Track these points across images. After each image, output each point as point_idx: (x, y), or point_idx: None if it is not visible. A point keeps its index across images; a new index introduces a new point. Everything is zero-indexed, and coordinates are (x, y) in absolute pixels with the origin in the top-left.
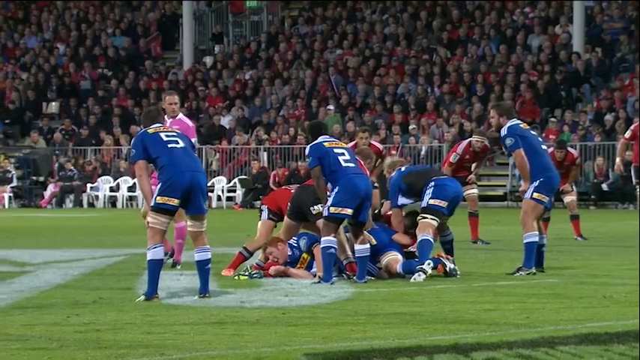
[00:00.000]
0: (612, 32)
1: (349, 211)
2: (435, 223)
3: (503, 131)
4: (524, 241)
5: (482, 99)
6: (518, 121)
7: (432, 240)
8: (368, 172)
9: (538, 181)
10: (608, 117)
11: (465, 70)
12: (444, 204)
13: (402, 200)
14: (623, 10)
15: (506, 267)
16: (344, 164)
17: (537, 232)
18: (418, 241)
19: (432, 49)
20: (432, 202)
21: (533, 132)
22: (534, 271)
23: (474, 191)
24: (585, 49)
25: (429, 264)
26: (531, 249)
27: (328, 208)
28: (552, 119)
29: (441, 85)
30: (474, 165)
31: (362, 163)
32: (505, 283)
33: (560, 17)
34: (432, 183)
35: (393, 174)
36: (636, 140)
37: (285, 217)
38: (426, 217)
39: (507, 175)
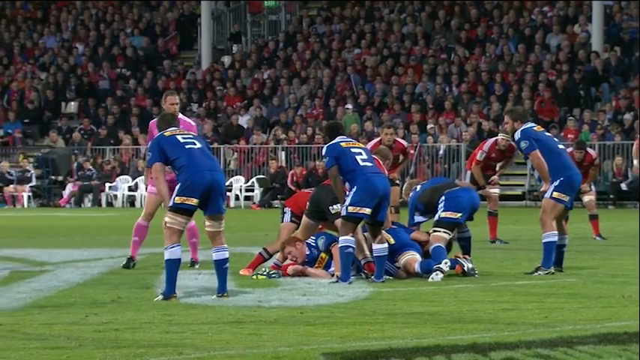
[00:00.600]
0: (631, 31)
1: (367, 211)
2: (448, 236)
3: (517, 135)
4: (543, 241)
5: (500, 98)
6: (532, 124)
7: (444, 247)
8: (387, 172)
9: (558, 181)
10: (627, 116)
11: (483, 69)
12: (457, 215)
13: (417, 219)
14: None
15: (524, 266)
16: (361, 164)
17: (556, 232)
18: (431, 249)
19: (450, 49)
20: (443, 214)
21: (547, 133)
22: (553, 270)
23: (495, 191)
24: (604, 48)
25: (446, 263)
26: (550, 249)
27: (346, 208)
28: (571, 118)
29: (459, 85)
30: (498, 164)
31: (380, 163)
32: (523, 283)
33: (579, 16)
34: (443, 197)
35: (410, 194)
36: None
37: (304, 217)
38: (438, 231)
39: (526, 175)
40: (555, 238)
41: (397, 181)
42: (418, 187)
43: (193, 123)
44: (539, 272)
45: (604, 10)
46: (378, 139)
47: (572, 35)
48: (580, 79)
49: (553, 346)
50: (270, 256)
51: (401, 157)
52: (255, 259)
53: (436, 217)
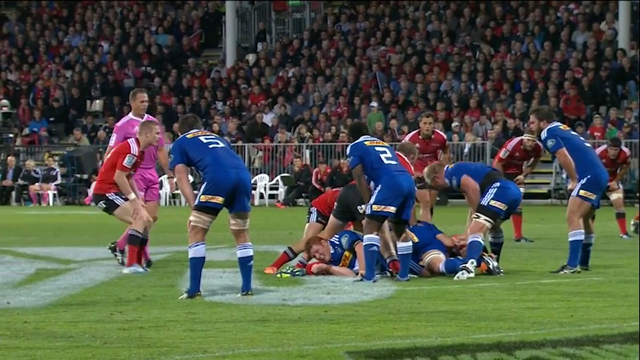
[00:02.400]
0: None
1: (392, 209)
2: (489, 225)
3: (543, 134)
4: (570, 239)
5: (525, 96)
6: (558, 124)
7: (482, 242)
8: (412, 168)
9: (585, 179)
10: None
11: (509, 67)
12: (503, 206)
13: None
14: None
15: (550, 265)
16: (386, 162)
17: (583, 231)
18: (469, 241)
19: (475, 46)
20: (492, 202)
21: (574, 132)
22: (579, 269)
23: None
24: (631, 45)
25: (472, 263)
26: (576, 247)
27: (371, 206)
28: (597, 116)
29: (485, 83)
30: (524, 164)
31: (404, 158)
32: (549, 282)
33: (606, 14)
34: (497, 184)
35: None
36: None
37: (331, 216)
38: (480, 217)
39: (551, 173)
40: (582, 237)
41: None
42: (451, 166)
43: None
44: (565, 271)
45: (631, 7)
46: (417, 130)
47: (599, 33)
48: (606, 77)
49: (579, 345)
50: (295, 255)
51: (440, 153)
52: (280, 257)
53: (483, 202)
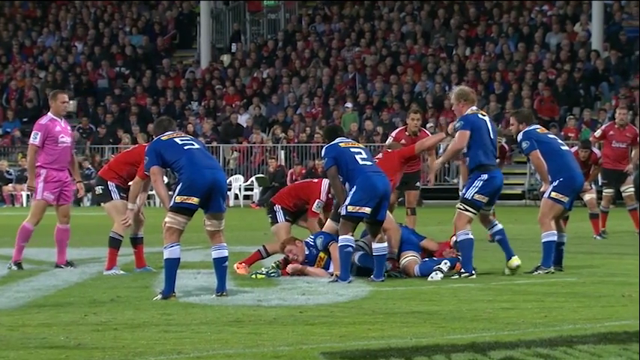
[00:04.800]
0: (631, 30)
1: (367, 210)
2: (473, 217)
3: (520, 136)
4: (542, 241)
5: (499, 97)
6: (536, 126)
7: (472, 238)
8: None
9: (558, 181)
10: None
11: (483, 68)
12: (485, 200)
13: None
14: None
15: (524, 266)
16: (361, 162)
17: (555, 232)
18: (459, 239)
19: (449, 47)
20: (477, 197)
21: (551, 135)
22: (553, 269)
23: None
24: (604, 46)
25: (445, 263)
26: (549, 248)
27: (346, 207)
28: (571, 117)
29: (459, 84)
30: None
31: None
32: (523, 282)
33: (580, 15)
34: (486, 176)
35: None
36: (605, 141)
37: (329, 221)
38: (465, 209)
39: (525, 174)
40: (554, 238)
41: (417, 184)
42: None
43: (69, 128)
44: (539, 271)
45: (604, 8)
46: (403, 126)
47: (572, 34)
48: (580, 78)
49: (553, 345)
50: (268, 255)
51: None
52: (253, 255)
53: (467, 195)
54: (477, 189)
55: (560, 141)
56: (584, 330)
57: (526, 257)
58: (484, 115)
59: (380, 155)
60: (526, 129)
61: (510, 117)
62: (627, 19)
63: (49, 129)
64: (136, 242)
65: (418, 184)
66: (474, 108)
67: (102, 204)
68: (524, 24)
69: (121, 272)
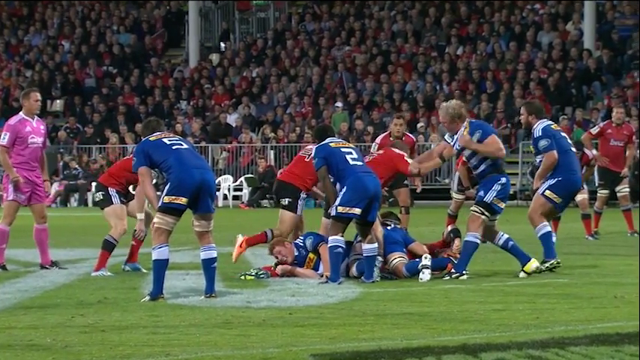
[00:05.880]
0: (623, 29)
1: (358, 211)
2: (487, 221)
3: (537, 132)
4: (538, 235)
5: (491, 97)
6: (550, 122)
7: (479, 242)
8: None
9: (555, 180)
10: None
11: (474, 67)
12: (503, 205)
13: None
14: (634, 7)
15: (515, 266)
16: (351, 163)
17: (547, 223)
18: (466, 239)
19: (440, 46)
20: (495, 201)
21: (562, 133)
22: (558, 260)
23: None
24: (596, 46)
25: (426, 257)
26: (547, 239)
27: (336, 208)
28: (563, 117)
29: (450, 83)
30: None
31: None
32: (514, 283)
33: (572, 14)
34: (504, 179)
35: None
36: (603, 140)
37: (324, 218)
38: (481, 213)
39: (517, 174)
40: (549, 228)
41: (405, 181)
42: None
43: (43, 126)
44: (545, 265)
45: (596, 7)
46: (387, 132)
47: (564, 33)
48: (572, 78)
49: (544, 347)
50: (272, 237)
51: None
52: (258, 236)
53: (486, 199)
54: (495, 192)
55: (569, 141)
56: (576, 331)
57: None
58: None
59: (369, 157)
60: (543, 125)
61: (521, 107)
62: (619, 17)
63: (17, 129)
64: (107, 247)
65: (406, 181)
66: (469, 120)
67: (102, 209)
68: (515, 23)
69: (109, 274)
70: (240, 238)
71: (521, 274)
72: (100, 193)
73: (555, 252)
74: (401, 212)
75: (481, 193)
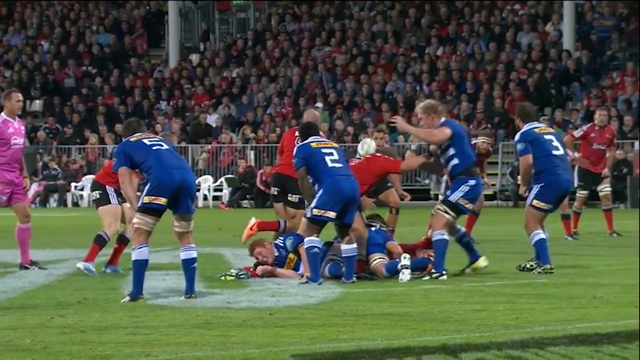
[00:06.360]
0: (602, 30)
1: (332, 214)
2: (452, 220)
3: (517, 135)
4: (532, 242)
5: (471, 97)
6: (536, 124)
7: (448, 239)
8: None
9: (540, 186)
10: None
11: (454, 67)
12: (470, 206)
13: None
14: (613, 8)
15: (495, 266)
16: (330, 165)
17: (541, 231)
18: (434, 239)
19: (420, 47)
20: (461, 201)
21: (548, 136)
22: (552, 266)
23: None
24: (575, 46)
25: (405, 257)
26: (541, 246)
27: (311, 210)
28: (544, 117)
29: (430, 83)
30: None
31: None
32: (494, 284)
33: (551, 15)
34: (473, 182)
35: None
36: (585, 143)
37: (304, 219)
38: (446, 212)
39: (497, 175)
40: (543, 236)
41: (389, 184)
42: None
43: (23, 127)
44: (538, 270)
45: (575, 8)
46: None
47: (544, 34)
48: (551, 78)
49: (524, 347)
50: (284, 230)
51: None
52: (271, 223)
53: (451, 199)
54: (462, 193)
55: (555, 144)
56: (556, 332)
57: (497, 258)
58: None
59: (355, 161)
60: (525, 128)
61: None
62: (598, 18)
63: (1, 131)
64: (122, 240)
65: (389, 183)
66: (443, 119)
67: (97, 207)
68: (495, 23)
69: (93, 270)
70: (253, 220)
71: (467, 270)
72: (97, 192)
73: (549, 259)
74: (391, 212)
75: (448, 192)
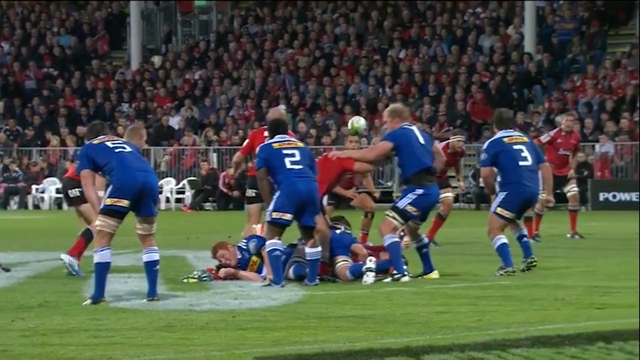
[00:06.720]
0: (564, 33)
1: (289, 217)
2: (399, 225)
3: (486, 144)
4: (495, 247)
5: (433, 100)
6: (506, 134)
7: (398, 240)
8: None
9: (504, 195)
10: (559, 118)
11: (417, 70)
12: (417, 213)
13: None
14: (574, 11)
15: (458, 269)
16: (288, 166)
17: (503, 236)
18: (386, 244)
19: (383, 49)
20: (408, 208)
21: (517, 146)
22: (514, 269)
23: (449, 195)
24: (537, 49)
25: (370, 260)
26: (503, 250)
27: (270, 213)
28: None
29: (393, 86)
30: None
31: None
32: (457, 286)
33: (513, 18)
34: (421, 191)
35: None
36: (551, 148)
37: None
38: (394, 217)
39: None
40: (505, 240)
41: (363, 188)
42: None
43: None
44: (500, 272)
45: (537, 11)
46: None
47: (505, 37)
48: (513, 81)
49: (486, 349)
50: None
51: None
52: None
53: (398, 204)
54: (410, 200)
55: (524, 154)
56: (518, 334)
57: (460, 261)
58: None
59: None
60: (495, 137)
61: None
62: (559, 22)
63: None
64: (86, 235)
65: (360, 189)
66: (406, 124)
67: (79, 205)
68: (457, 26)
69: (76, 269)
70: (258, 227)
71: (418, 278)
72: (77, 189)
73: (511, 262)
74: (366, 216)
75: (397, 199)
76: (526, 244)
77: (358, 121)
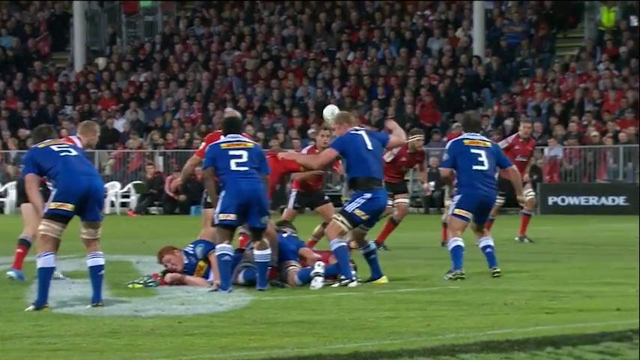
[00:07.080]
0: (512, 36)
1: (233, 217)
2: (346, 229)
3: (448, 144)
4: (449, 248)
5: (382, 102)
6: (469, 136)
7: (345, 244)
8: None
9: (460, 196)
10: (508, 122)
11: (365, 73)
12: (366, 217)
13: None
14: (522, 14)
15: (407, 273)
16: (234, 167)
17: (460, 238)
18: (333, 248)
19: (331, 52)
20: (357, 212)
21: (476, 150)
22: (462, 272)
23: (404, 201)
24: (485, 52)
25: (319, 265)
26: (457, 253)
27: (218, 215)
28: (457, 124)
29: (341, 89)
30: (414, 174)
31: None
32: (406, 290)
33: (462, 21)
34: (369, 195)
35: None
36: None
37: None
38: (342, 221)
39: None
40: (460, 243)
41: (325, 198)
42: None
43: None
44: (448, 275)
45: (485, 14)
46: (313, 145)
47: (454, 39)
48: (462, 84)
49: (436, 354)
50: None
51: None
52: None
53: (347, 209)
54: (358, 205)
55: (481, 159)
56: (467, 339)
57: (410, 265)
58: (358, 130)
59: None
60: (457, 139)
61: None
62: (508, 24)
63: None
64: (24, 244)
65: (326, 197)
66: (353, 130)
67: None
68: (406, 29)
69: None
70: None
71: (367, 283)
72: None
73: (461, 265)
74: (324, 226)
75: (346, 203)
76: (490, 254)
77: (326, 111)
